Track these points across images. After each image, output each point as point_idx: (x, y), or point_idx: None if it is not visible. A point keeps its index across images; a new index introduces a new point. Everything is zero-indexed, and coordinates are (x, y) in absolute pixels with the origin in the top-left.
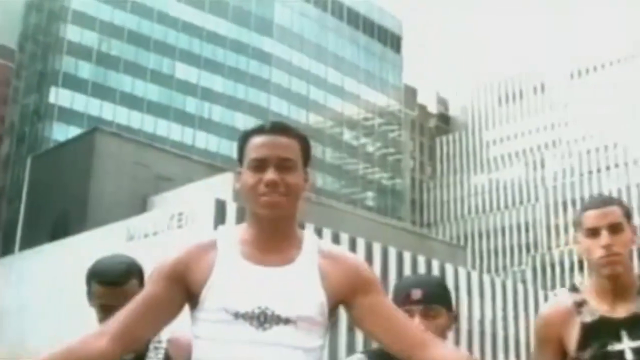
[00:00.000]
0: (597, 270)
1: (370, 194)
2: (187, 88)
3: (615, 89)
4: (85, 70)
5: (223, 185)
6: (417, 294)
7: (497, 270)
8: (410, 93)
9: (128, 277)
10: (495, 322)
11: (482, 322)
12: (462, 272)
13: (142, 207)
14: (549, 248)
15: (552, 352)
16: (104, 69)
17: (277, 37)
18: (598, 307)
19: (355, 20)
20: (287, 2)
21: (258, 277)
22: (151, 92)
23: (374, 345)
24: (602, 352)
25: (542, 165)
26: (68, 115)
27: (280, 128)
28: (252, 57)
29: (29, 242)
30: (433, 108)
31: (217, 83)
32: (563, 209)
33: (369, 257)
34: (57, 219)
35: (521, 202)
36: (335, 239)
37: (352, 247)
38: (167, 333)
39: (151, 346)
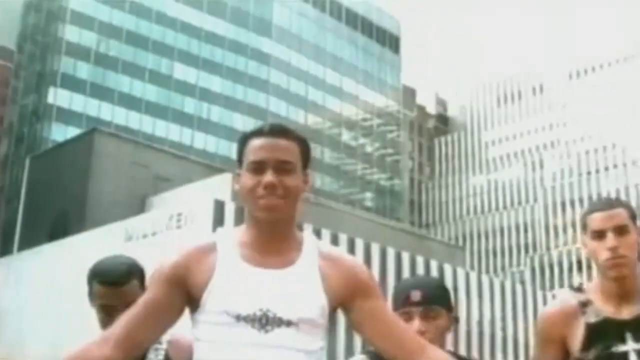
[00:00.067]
0: (603, 273)
1: (368, 194)
2: (186, 88)
3: (614, 90)
4: (84, 70)
5: (222, 186)
6: (416, 295)
7: (495, 270)
8: (408, 93)
9: (129, 278)
10: (493, 323)
11: (480, 323)
12: (460, 272)
13: (140, 207)
14: (548, 248)
15: (555, 351)
16: (103, 70)
17: (276, 37)
18: (603, 308)
19: (354, 20)
20: (285, 3)
21: (259, 280)
22: (149, 92)
23: None
24: (606, 354)
25: (541, 166)
26: (66, 116)
27: (279, 130)
28: (251, 57)
29: (28, 242)
30: (432, 108)
31: (216, 83)
32: (562, 209)
33: (367, 258)
34: (55, 219)
35: (520, 203)
36: (334, 240)
37: (351, 247)
38: (167, 334)
39: (151, 347)
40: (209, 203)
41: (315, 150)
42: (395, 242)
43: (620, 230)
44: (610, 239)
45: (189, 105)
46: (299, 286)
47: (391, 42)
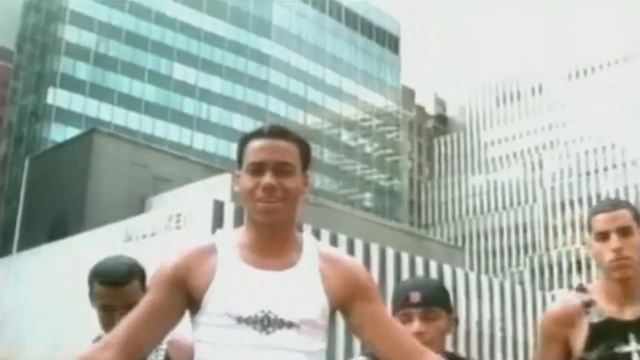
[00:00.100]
0: (608, 274)
1: (368, 194)
2: (185, 89)
3: (613, 90)
4: (83, 71)
5: (221, 186)
6: (415, 296)
7: (495, 271)
8: (408, 94)
9: (130, 278)
10: (493, 323)
11: (480, 323)
12: (460, 273)
13: (140, 207)
14: (547, 249)
15: (557, 350)
16: (102, 70)
17: (275, 38)
18: (606, 309)
19: (353, 21)
20: (285, 3)
21: (260, 281)
22: (149, 93)
23: None
24: (609, 354)
25: (540, 166)
26: (66, 116)
27: (278, 132)
28: (250, 58)
29: (27, 242)
30: (431, 109)
31: (215, 84)
32: (561, 209)
33: (366, 258)
34: (55, 219)
35: (519, 203)
36: (333, 240)
37: (350, 248)
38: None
39: None
40: (208, 203)
41: (315, 151)
42: (395, 242)
43: (624, 232)
44: (614, 241)
45: (189, 105)
46: (300, 287)
47: (390, 42)
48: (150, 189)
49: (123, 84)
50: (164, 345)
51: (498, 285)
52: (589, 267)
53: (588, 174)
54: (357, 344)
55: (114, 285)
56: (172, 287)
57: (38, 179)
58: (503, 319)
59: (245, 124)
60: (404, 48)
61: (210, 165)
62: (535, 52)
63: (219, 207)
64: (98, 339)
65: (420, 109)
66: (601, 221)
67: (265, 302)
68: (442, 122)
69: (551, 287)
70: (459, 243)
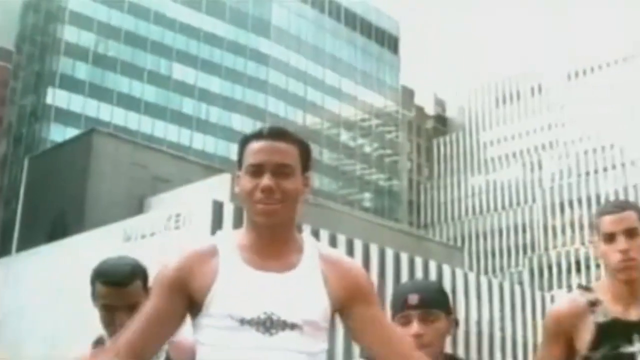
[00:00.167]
0: (614, 275)
1: (367, 195)
2: (185, 89)
3: (613, 90)
4: (83, 71)
5: (220, 187)
6: (414, 299)
7: (494, 271)
8: (407, 94)
9: (132, 279)
10: (492, 324)
11: (479, 324)
12: (459, 273)
13: (139, 208)
14: (546, 249)
15: (561, 348)
16: (101, 70)
17: (275, 38)
18: (612, 308)
19: (353, 21)
20: (284, 3)
21: (262, 283)
22: (148, 93)
23: None
24: (614, 354)
25: (540, 166)
26: (65, 116)
27: (278, 133)
28: (250, 58)
29: (26, 243)
30: (430, 109)
31: (214, 84)
32: (560, 210)
33: (366, 259)
34: (54, 219)
35: (518, 203)
36: (333, 240)
37: (350, 248)
38: None
39: None
40: (207, 204)
41: (314, 151)
42: (394, 242)
43: (631, 233)
44: (621, 242)
45: (188, 105)
46: (302, 289)
47: (390, 42)
48: (150, 189)
49: (122, 84)
50: (165, 346)
51: (497, 285)
52: (588, 267)
53: (587, 174)
54: (356, 346)
55: (117, 286)
56: (174, 291)
57: (37, 179)
58: (502, 319)
59: (244, 124)
60: (403, 48)
61: (209, 166)
62: (534, 52)
63: (218, 207)
64: (98, 339)
65: (420, 109)
66: (608, 223)
67: (267, 303)
68: (442, 123)
69: (550, 288)
70: (458, 243)
